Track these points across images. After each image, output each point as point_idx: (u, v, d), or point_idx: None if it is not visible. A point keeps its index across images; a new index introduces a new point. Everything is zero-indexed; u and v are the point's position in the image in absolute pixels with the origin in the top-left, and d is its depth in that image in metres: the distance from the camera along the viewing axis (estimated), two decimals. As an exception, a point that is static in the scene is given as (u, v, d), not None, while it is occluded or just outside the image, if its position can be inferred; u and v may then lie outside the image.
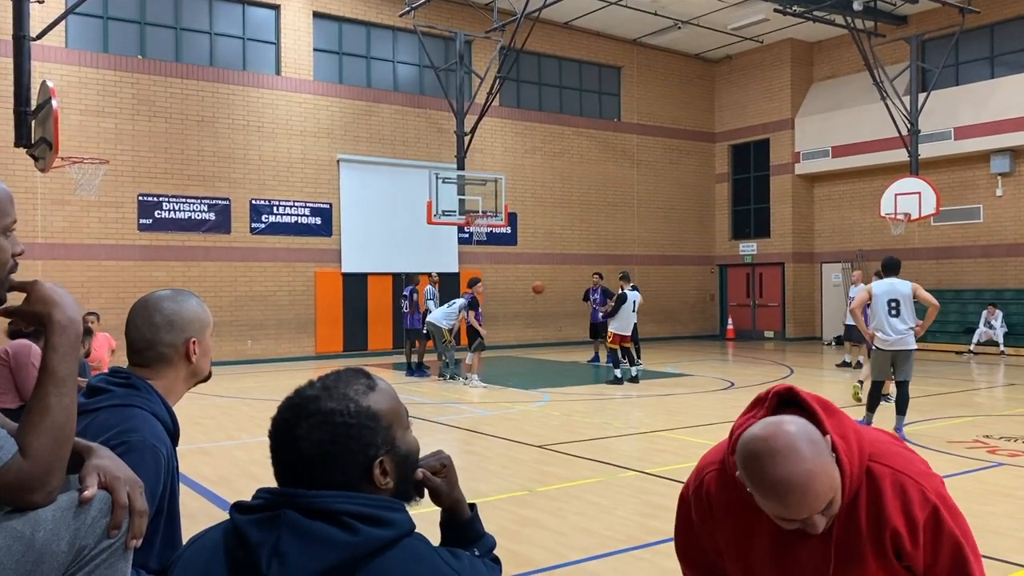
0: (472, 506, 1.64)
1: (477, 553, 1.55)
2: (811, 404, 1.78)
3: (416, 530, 1.38)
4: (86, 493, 1.48)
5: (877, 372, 9.14)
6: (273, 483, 1.42)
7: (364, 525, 1.32)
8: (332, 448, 1.36)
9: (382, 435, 1.41)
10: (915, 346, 8.91)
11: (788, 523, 1.74)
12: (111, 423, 1.87)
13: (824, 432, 1.74)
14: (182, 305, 2.10)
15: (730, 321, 25.21)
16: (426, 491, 1.55)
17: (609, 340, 14.13)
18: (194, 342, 2.08)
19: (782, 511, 1.70)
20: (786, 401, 1.83)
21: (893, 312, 8.89)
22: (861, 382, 11.14)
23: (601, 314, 16.57)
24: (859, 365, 14.64)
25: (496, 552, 1.64)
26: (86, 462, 1.56)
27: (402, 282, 20.00)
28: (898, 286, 8.98)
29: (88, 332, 9.59)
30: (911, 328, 8.88)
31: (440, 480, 1.56)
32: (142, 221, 17.09)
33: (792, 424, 1.71)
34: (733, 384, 13.88)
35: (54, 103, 10.38)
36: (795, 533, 1.82)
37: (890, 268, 9.24)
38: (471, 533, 1.60)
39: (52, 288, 1.59)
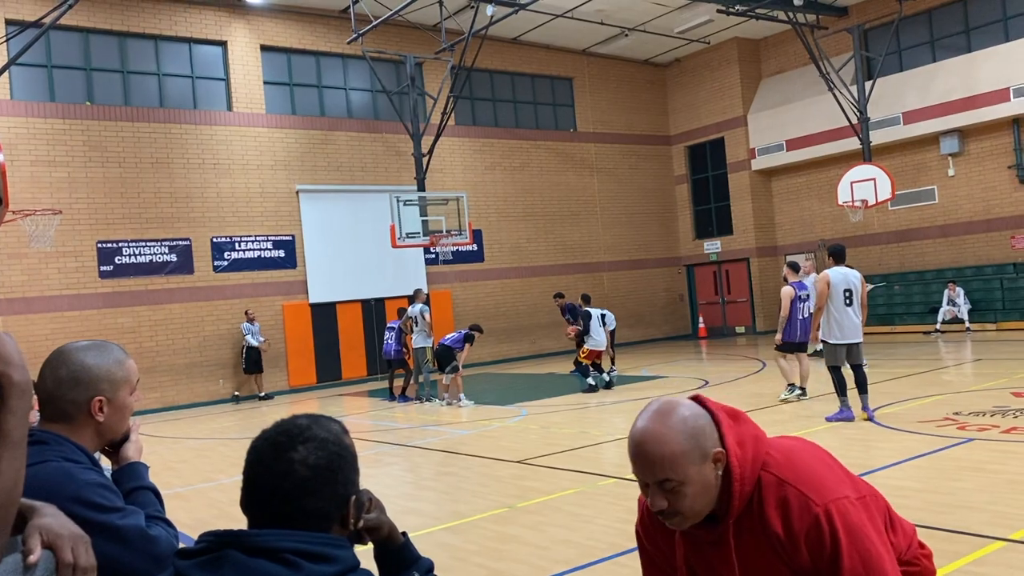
0: (404, 533, 1.65)
1: None
2: (715, 411, 1.86)
3: (361, 566, 1.39)
4: (31, 558, 1.46)
5: (832, 359, 9.31)
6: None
7: (307, 562, 1.32)
8: (326, 473, 1.40)
9: (356, 475, 1.48)
10: (862, 338, 9.26)
11: (644, 491, 1.83)
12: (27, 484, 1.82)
13: (722, 444, 1.81)
14: (94, 360, 1.98)
15: (701, 320, 25.38)
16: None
17: (583, 354, 14.18)
18: (100, 401, 1.96)
19: (631, 461, 1.80)
20: None
21: (848, 302, 9.22)
22: (793, 386, 11.03)
23: (571, 335, 16.56)
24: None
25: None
26: (29, 522, 1.54)
27: (371, 309, 19.96)
28: (851, 276, 9.32)
29: None
30: (860, 320, 9.25)
31: (375, 514, 1.57)
32: (103, 268, 16.87)
33: (680, 405, 1.83)
34: (707, 382, 13.97)
35: (1, 156, 10.23)
36: (705, 541, 1.88)
37: (840, 256, 9.49)
38: (408, 557, 1.62)
39: (5, 344, 1.56)
